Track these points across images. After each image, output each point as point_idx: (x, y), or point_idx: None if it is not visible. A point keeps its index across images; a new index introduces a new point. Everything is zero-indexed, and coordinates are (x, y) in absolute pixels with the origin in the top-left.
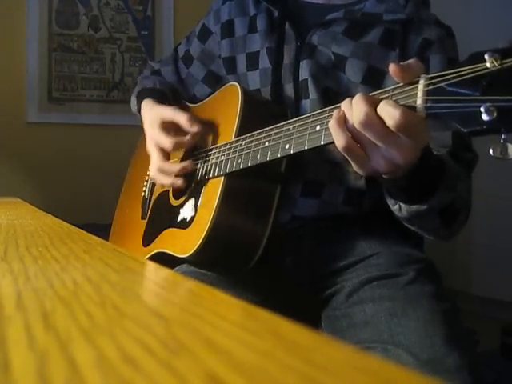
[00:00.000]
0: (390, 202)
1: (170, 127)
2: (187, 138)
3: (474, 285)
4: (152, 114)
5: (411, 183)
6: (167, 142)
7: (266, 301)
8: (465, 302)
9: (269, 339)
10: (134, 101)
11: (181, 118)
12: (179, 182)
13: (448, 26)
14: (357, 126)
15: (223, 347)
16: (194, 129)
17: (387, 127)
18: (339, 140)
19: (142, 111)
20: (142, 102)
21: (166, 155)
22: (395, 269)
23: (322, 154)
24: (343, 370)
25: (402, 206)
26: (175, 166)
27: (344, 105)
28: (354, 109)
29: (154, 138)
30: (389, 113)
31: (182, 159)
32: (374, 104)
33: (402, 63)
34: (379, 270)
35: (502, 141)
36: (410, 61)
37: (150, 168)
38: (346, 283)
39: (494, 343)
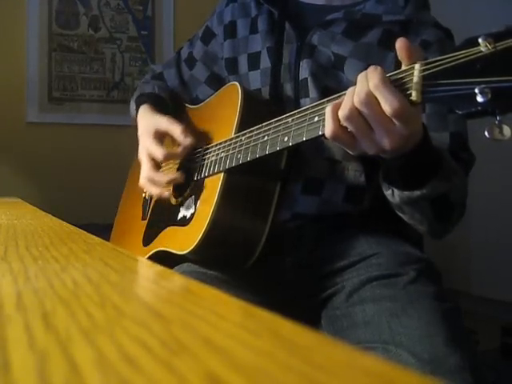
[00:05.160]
0: (384, 186)
1: (163, 137)
2: (179, 149)
3: (474, 285)
4: (147, 123)
5: (408, 163)
6: (159, 152)
7: (266, 301)
8: (465, 302)
9: (269, 339)
10: (132, 105)
11: (175, 129)
12: (166, 193)
13: (447, 28)
14: (356, 102)
15: (223, 347)
16: (187, 142)
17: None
18: (328, 126)
19: (138, 117)
20: (139, 107)
21: (157, 165)
22: (395, 269)
23: (322, 151)
24: (343, 370)
25: (395, 191)
26: (164, 177)
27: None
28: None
29: (147, 148)
30: (386, 98)
31: (178, 168)
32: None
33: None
34: (380, 269)
35: (497, 122)
36: (415, 46)
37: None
38: (347, 283)
39: (494, 343)
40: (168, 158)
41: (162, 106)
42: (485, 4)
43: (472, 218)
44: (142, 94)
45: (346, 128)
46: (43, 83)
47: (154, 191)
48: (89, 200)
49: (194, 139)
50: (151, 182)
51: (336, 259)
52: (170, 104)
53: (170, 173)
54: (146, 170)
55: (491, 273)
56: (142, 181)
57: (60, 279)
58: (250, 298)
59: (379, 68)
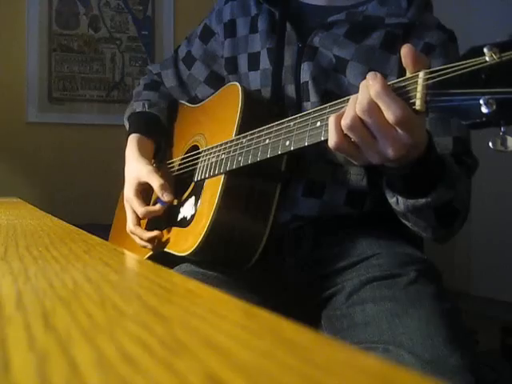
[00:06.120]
0: (389, 193)
1: (145, 188)
2: (157, 207)
3: (474, 285)
4: (131, 170)
5: (413, 173)
6: (139, 210)
7: (266, 301)
8: (465, 302)
9: (269, 339)
10: (126, 123)
11: (154, 183)
12: (149, 246)
13: (450, 30)
14: (359, 111)
15: (223, 347)
16: (165, 198)
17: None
18: (332, 137)
19: (127, 150)
20: (130, 130)
21: (138, 218)
22: (396, 269)
23: (324, 154)
24: (343, 370)
25: (400, 199)
26: (145, 234)
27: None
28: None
29: (129, 201)
30: (388, 106)
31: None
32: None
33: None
34: (380, 270)
35: (501, 133)
36: (420, 53)
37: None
38: (347, 283)
39: (494, 343)
40: (147, 215)
41: (151, 128)
42: (486, 5)
43: (473, 219)
44: (133, 114)
45: (349, 138)
46: (43, 83)
47: (137, 242)
48: (89, 200)
49: (172, 196)
50: (133, 234)
51: (336, 260)
52: (161, 117)
53: (149, 231)
54: (128, 222)
55: (491, 273)
56: (127, 229)
57: (60, 279)
58: (250, 298)
59: (379, 75)
